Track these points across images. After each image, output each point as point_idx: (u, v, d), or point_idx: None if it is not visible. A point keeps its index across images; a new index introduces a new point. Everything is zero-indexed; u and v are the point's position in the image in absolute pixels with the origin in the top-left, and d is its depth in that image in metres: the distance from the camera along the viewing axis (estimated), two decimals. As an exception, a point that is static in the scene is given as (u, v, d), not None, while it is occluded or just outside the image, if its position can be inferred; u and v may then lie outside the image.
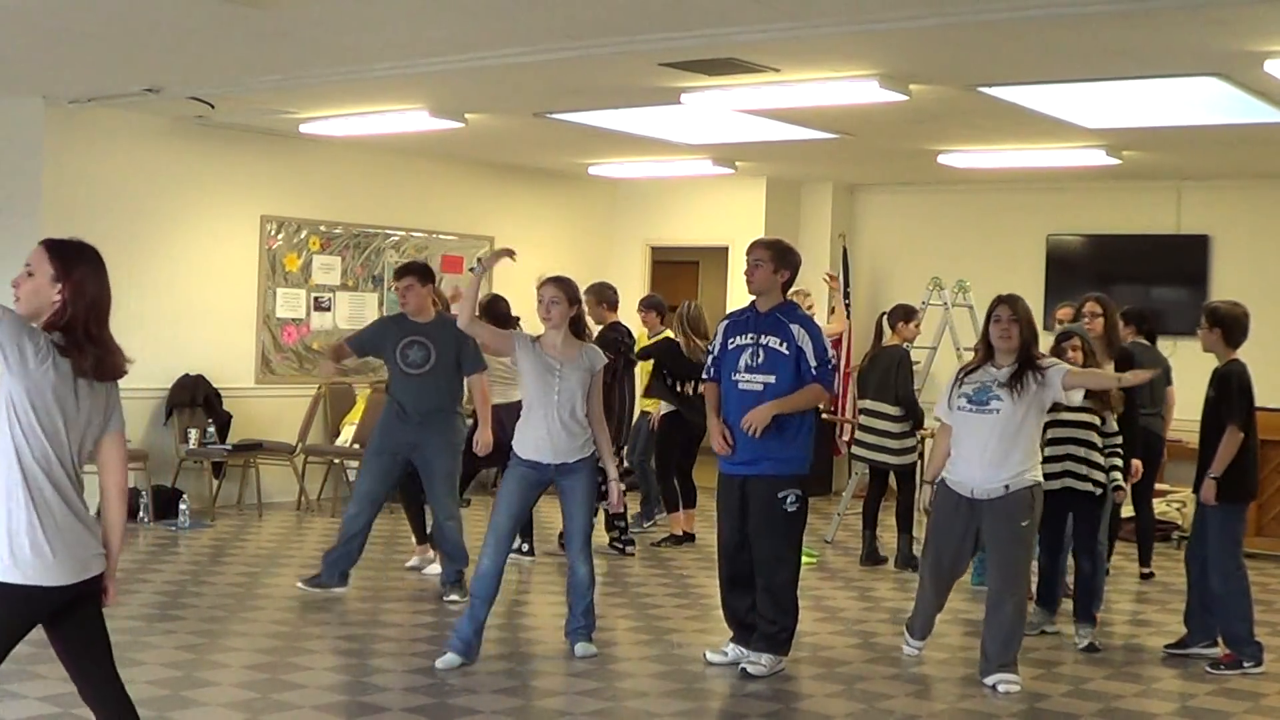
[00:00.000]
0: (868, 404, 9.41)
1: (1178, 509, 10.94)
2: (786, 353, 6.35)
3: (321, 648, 6.72)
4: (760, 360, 6.37)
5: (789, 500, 6.35)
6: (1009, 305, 6.46)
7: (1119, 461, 7.24)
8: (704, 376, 6.75)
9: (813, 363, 6.35)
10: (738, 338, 6.48)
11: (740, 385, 6.39)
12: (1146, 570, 9.35)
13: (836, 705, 6.01)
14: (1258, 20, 6.39)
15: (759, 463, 6.36)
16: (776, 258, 6.49)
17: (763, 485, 6.36)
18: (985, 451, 6.28)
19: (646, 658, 6.77)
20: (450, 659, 6.36)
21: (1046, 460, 6.84)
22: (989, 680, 6.29)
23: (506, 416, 8.40)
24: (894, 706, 6.03)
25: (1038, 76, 7.81)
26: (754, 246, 6.58)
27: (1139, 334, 9.35)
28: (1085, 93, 8.15)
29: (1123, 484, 7.32)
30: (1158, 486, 9.69)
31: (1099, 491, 7.17)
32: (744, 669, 6.39)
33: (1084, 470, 7.12)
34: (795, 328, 6.39)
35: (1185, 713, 6.09)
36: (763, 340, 6.39)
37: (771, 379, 6.34)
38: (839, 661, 6.82)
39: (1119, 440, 7.23)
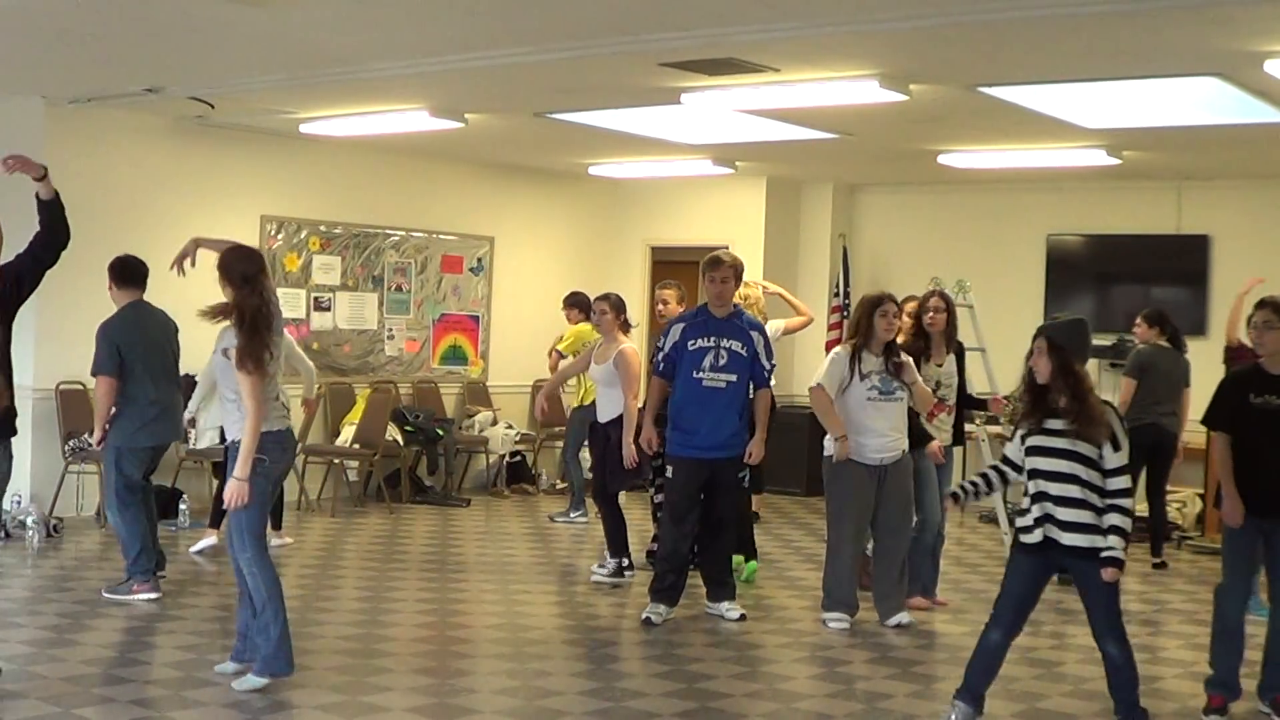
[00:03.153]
0: None
1: (1178, 509, 10.96)
2: (745, 355, 7.43)
3: (321, 648, 6.72)
4: (724, 361, 7.38)
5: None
6: (895, 302, 7.50)
7: (1119, 519, 5.29)
8: (654, 372, 7.63)
9: (766, 366, 7.51)
10: (699, 340, 7.39)
11: (705, 383, 7.38)
12: (1158, 560, 9.44)
13: (836, 705, 6.01)
14: (1258, 20, 6.39)
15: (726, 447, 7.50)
16: (738, 277, 7.62)
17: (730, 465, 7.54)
18: (893, 428, 7.40)
19: (648, 657, 6.77)
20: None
21: (1030, 505, 5.47)
22: (829, 616, 7.48)
23: (614, 429, 8.45)
24: (894, 706, 6.03)
25: (1038, 76, 7.81)
26: (721, 265, 7.47)
27: (1161, 335, 9.39)
28: (1085, 93, 8.15)
29: (1119, 553, 5.27)
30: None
31: (1104, 549, 5.31)
32: (727, 615, 7.53)
33: (1073, 516, 5.33)
34: (754, 334, 7.48)
35: (1185, 713, 6.09)
36: (724, 344, 7.39)
37: (734, 378, 7.41)
38: (839, 661, 6.82)
39: (1123, 484, 5.33)
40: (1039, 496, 5.39)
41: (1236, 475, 5.84)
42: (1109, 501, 5.32)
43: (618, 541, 8.52)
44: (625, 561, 8.50)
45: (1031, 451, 5.43)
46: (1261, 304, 5.96)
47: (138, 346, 7.72)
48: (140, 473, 7.82)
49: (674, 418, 7.51)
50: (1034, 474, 5.43)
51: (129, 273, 7.89)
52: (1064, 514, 5.34)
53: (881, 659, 6.87)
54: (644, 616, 7.45)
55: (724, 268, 7.47)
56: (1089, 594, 5.47)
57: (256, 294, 5.77)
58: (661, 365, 7.52)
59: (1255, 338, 5.95)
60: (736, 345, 7.39)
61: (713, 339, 7.39)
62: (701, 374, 7.36)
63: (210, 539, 9.05)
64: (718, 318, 7.45)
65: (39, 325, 9.96)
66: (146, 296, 7.97)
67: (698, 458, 7.42)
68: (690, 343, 7.40)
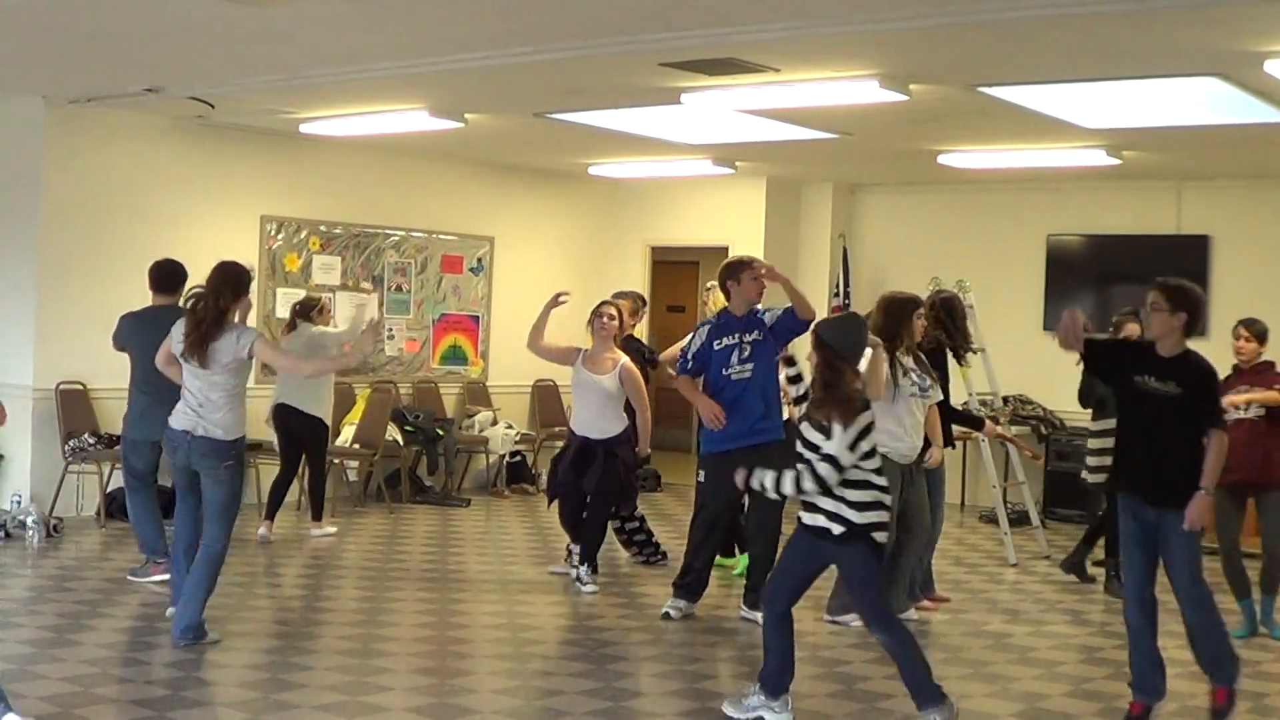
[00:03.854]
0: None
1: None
2: (763, 337, 7.51)
3: (321, 648, 6.72)
4: (747, 353, 7.52)
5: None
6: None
7: (865, 495, 5.50)
8: (681, 371, 7.71)
9: (780, 315, 7.50)
10: (724, 339, 7.54)
11: (733, 377, 7.51)
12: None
13: (836, 705, 6.01)
14: (1258, 20, 6.39)
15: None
16: None
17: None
18: (920, 426, 7.50)
19: (648, 657, 6.77)
20: None
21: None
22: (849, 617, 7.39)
23: (620, 447, 8.20)
24: (894, 706, 6.03)
25: (1038, 76, 7.80)
26: (757, 265, 7.69)
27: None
28: (1085, 93, 8.14)
29: (877, 530, 5.54)
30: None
31: (841, 530, 5.51)
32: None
33: (821, 502, 5.54)
34: (765, 316, 7.59)
35: (1185, 713, 6.09)
36: (746, 338, 7.54)
37: (755, 364, 7.52)
38: (839, 661, 6.82)
39: (872, 465, 5.53)
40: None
41: (1119, 454, 5.84)
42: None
43: (597, 550, 8.36)
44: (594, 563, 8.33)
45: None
46: (1154, 284, 5.77)
47: (142, 345, 7.85)
48: (141, 464, 8.10)
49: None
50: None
51: (161, 278, 8.22)
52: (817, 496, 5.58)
53: (881, 659, 6.85)
54: (663, 611, 7.56)
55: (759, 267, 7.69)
56: (847, 577, 5.84)
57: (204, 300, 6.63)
58: (691, 364, 7.61)
59: (1143, 318, 5.96)
60: (755, 334, 7.52)
61: (735, 335, 7.53)
62: (730, 370, 7.52)
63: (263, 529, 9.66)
64: (738, 316, 7.57)
65: (38, 325, 9.98)
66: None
67: (729, 449, 7.39)
68: (716, 343, 7.55)
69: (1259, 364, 7.62)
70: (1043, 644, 7.30)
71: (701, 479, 7.67)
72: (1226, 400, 6.85)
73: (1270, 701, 6.31)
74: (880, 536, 5.58)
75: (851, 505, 5.50)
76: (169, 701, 5.70)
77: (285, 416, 9.82)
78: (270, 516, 9.65)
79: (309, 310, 10.16)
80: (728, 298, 7.65)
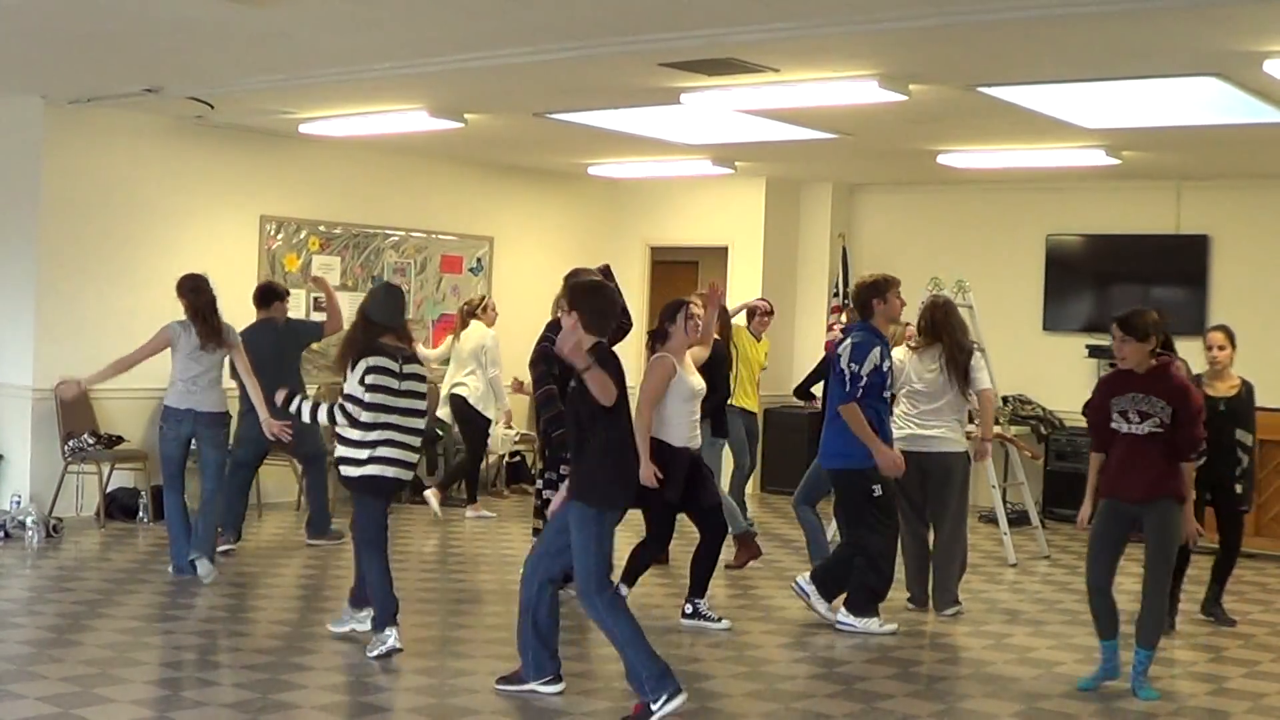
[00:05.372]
0: None
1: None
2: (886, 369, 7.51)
3: (321, 648, 6.72)
4: (890, 380, 7.55)
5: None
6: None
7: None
8: (850, 398, 7.32)
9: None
10: (887, 361, 7.44)
11: (886, 396, 7.51)
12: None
13: (837, 705, 6.01)
14: (1258, 20, 6.39)
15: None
16: None
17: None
18: None
19: (646, 658, 6.76)
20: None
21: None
22: (955, 609, 7.87)
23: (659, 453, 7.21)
24: (894, 707, 6.03)
25: (1038, 76, 7.81)
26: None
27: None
28: (1085, 93, 8.15)
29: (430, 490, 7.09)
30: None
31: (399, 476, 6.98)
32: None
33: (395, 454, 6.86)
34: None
35: (1185, 713, 6.09)
36: (887, 364, 7.49)
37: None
38: (839, 661, 6.82)
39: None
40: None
41: None
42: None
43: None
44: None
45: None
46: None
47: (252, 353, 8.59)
48: (248, 453, 9.34)
49: (878, 435, 7.35)
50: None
51: (259, 296, 9.55)
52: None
53: (881, 659, 6.87)
54: (893, 629, 7.45)
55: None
56: None
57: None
58: (862, 392, 7.30)
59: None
60: (888, 363, 7.48)
61: (889, 360, 7.48)
62: (888, 392, 7.51)
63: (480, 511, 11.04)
64: (880, 334, 7.50)
65: (38, 325, 9.97)
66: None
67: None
68: (884, 364, 7.40)
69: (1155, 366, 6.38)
70: (1043, 644, 7.30)
71: (877, 495, 7.38)
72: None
73: (1269, 702, 6.31)
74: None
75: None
76: (169, 701, 5.70)
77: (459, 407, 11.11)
78: (473, 499, 11.10)
79: (475, 309, 11.27)
80: (869, 315, 7.45)
